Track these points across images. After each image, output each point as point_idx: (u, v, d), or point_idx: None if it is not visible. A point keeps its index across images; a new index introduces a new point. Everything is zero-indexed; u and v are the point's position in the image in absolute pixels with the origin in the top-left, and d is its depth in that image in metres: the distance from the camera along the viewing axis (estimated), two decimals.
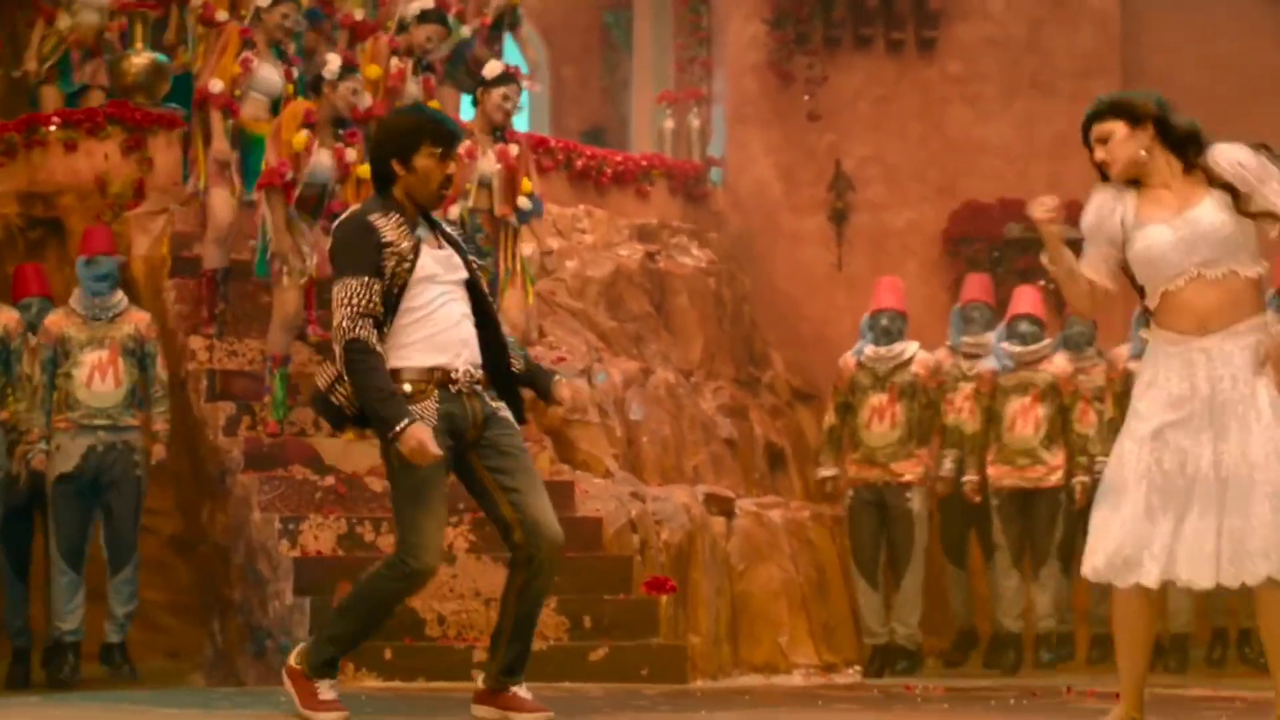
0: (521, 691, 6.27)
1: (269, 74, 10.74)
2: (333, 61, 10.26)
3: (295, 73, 10.82)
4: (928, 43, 14.17)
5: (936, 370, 11.05)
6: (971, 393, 11.06)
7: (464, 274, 6.24)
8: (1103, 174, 5.63)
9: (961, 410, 11.07)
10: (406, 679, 8.54)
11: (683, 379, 12.51)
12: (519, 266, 10.40)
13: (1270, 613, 5.47)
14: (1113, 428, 10.89)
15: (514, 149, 10.39)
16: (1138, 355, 10.87)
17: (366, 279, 6.00)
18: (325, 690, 6.25)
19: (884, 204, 14.11)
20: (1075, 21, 14.26)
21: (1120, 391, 10.87)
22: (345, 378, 6.05)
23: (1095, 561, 5.55)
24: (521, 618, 6.22)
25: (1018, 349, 11.01)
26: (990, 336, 11.28)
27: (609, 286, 12.46)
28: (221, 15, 11.12)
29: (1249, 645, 10.73)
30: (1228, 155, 5.53)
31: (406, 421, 5.90)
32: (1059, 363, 11.09)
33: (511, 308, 10.22)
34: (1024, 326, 11.07)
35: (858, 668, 11.21)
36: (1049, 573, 11.02)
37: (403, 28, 11.44)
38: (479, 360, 6.19)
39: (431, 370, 6.09)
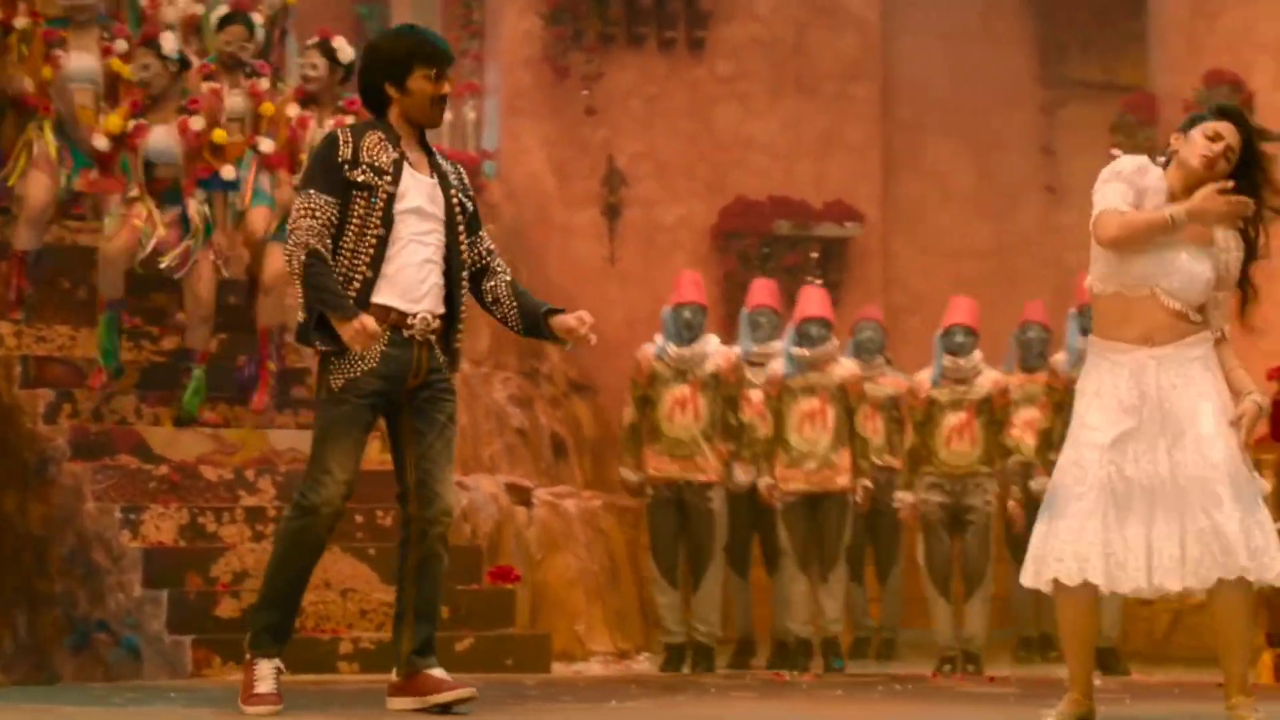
0: (436, 672, 6.26)
1: (84, 62, 10.49)
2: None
3: (118, 45, 10.56)
4: (698, 42, 14.40)
5: (737, 366, 10.97)
6: (762, 397, 10.95)
7: (443, 211, 6.28)
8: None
9: (754, 412, 11.08)
10: None
11: (474, 369, 12.55)
12: None
13: (1221, 611, 5.69)
14: (913, 456, 10.85)
15: None
16: (935, 382, 10.99)
17: (328, 198, 6.12)
18: (263, 682, 6.28)
19: (655, 199, 14.31)
20: (838, 26, 14.65)
21: (921, 420, 10.79)
22: (299, 283, 6.12)
23: (1048, 569, 5.68)
24: (423, 598, 6.26)
25: (807, 352, 10.79)
26: (778, 344, 11.22)
27: None
28: (21, 22, 10.84)
29: (1053, 648, 11.00)
30: None
31: (354, 313, 6.00)
32: (847, 365, 10.99)
33: None
34: (813, 330, 10.82)
35: (648, 654, 11.31)
36: (837, 577, 10.77)
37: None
38: (439, 309, 6.22)
39: (387, 310, 6.13)
